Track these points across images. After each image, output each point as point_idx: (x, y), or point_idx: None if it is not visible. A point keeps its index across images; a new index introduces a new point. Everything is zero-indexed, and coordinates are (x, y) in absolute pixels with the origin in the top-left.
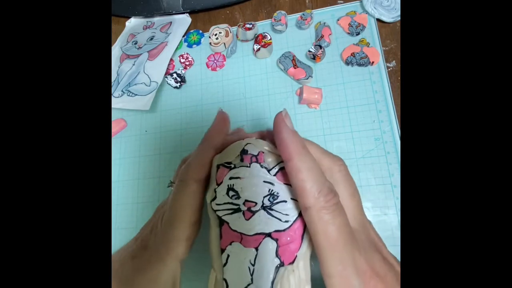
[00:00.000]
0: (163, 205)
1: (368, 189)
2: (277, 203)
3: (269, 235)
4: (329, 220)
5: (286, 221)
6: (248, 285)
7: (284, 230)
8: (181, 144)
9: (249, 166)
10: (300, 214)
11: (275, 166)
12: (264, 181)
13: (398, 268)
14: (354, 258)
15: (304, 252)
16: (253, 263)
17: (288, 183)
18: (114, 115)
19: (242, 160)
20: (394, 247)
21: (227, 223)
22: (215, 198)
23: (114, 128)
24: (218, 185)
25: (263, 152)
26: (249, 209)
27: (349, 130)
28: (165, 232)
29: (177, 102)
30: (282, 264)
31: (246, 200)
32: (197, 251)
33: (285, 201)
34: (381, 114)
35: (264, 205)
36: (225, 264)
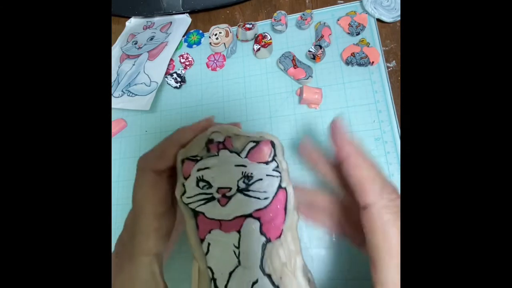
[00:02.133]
0: None
1: None
2: (253, 183)
3: (250, 215)
4: (390, 220)
5: (266, 198)
6: (236, 267)
7: (265, 208)
8: None
9: (217, 154)
10: (279, 188)
11: (244, 147)
12: (236, 165)
13: None
14: None
15: (290, 224)
16: (237, 245)
17: (261, 162)
18: (114, 115)
19: (208, 150)
20: None
21: (202, 213)
22: (184, 192)
23: (114, 128)
24: (186, 178)
25: (229, 137)
26: (223, 195)
27: (349, 130)
28: (130, 226)
29: (177, 102)
30: (268, 240)
31: (219, 188)
32: (185, 251)
33: (261, 179)
34: (381, 114)
35: (240, 188)
36: (207, 253)
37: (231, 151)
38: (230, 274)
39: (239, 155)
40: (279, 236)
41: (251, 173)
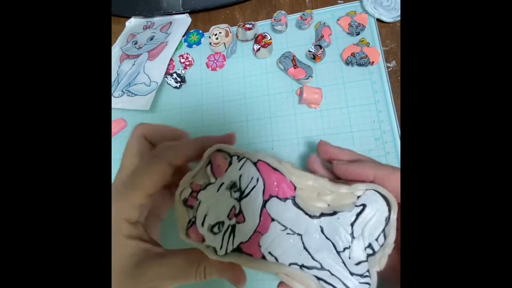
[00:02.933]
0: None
1: None
2: (239, 185)
3: (265, 202)
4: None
5: (257, 179)
6: (301, 239)
7: (265, 185)
8: None
9: (199, 200)
10: (255, 164)
11: (208, 176)
12: (217, 191)
13: None
14: None
15: (289, 173)
16: (284, 228)
17: (226, 168)
18: (114, 115)
19: (191, 207)
20: None
21: (240, 243)
22: (214, 249)
23: (114, 128)
24: (203, 241)
25: (192, 182)
26: (236, 215)
27: (349, 130)
28: (121, 195)
29: (177, 102)
30: (293, 198)
31: (227, 216)
32: None
33: (240, 175)
34: (381, 114)
35: (238, 198)
36: (277, 259)
37: (204, 188)
38: (306, 248)
39: (211, 184)
40: (295, 188)
41: (231, 181)
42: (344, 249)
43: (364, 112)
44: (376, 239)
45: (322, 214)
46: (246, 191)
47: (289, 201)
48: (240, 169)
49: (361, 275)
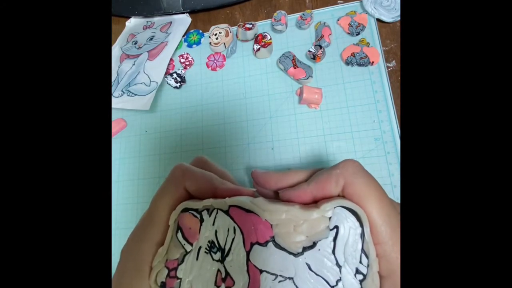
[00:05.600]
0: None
1: None
2: (218, 243)
3: (248, 254)
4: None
5: (234, 230)
6: (293, 281)
7: (243, 235)
8: (181, 144)
9: (179, 278)
10: (226, 212)
11: (181, 241)
12: (197, 258)
13: None
14: None
15: (261, 208)
16: (274, 276)
17: (197, 226)
18: (114, 115)
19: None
20: None
21: None
22: None
23: (114, 128)
24: None
25: (167, 260)
26: (223, 280)
27: (349, 130)
28: (140, 229)
29: (177, 102)
30: (273, 238)
31: (214, 285)
32: None
33: (216, 231)
34: (381, 114)
35: (220, 260)
36: None
37: (182, 261)
38: None
39: (188, 253)
40: (271, 226)
41: (208, 242)
42: (337, 282)
43: (364, 112)
44: (360, 261)
45: (304, 249)
46: (227, 248)
47: (270, 244)
48: (213, 224)
49: None
